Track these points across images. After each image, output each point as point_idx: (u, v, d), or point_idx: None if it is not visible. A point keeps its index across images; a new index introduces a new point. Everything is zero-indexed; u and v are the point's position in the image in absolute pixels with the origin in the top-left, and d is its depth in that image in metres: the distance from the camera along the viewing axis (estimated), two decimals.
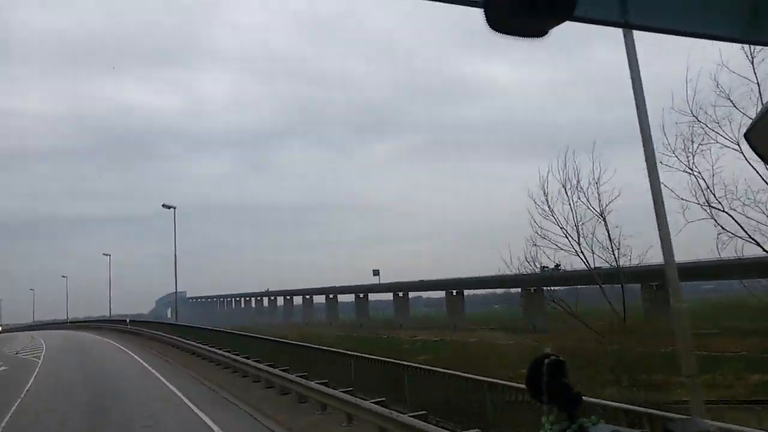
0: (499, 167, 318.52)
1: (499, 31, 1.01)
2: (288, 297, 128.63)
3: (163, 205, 33.72)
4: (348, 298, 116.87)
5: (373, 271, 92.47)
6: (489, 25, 1.00)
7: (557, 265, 72.39)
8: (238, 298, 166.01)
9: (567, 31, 1.20)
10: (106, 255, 55.06)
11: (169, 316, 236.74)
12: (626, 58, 7.71)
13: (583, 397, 1.38)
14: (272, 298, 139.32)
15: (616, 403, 8.19)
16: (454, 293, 76.99)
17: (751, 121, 1.50)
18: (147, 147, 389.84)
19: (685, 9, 1.33)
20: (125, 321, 48.99)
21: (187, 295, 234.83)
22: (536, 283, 64.86)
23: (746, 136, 1.43)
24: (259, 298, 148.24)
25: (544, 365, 1.39)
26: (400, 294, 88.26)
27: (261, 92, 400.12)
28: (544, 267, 72.23)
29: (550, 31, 1.04)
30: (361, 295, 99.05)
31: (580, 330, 21.16)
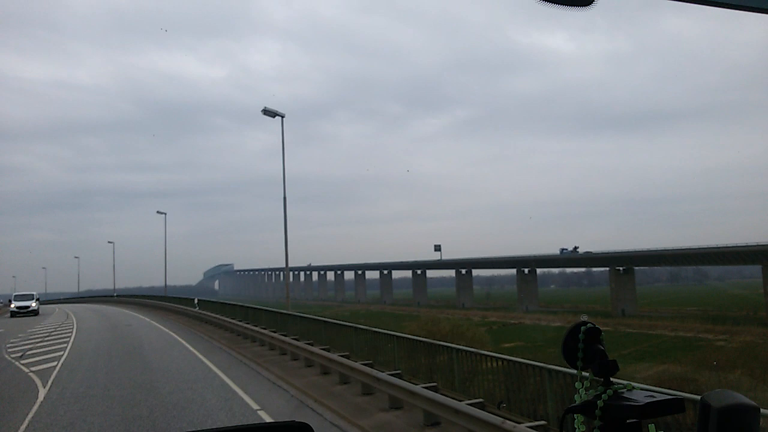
0: (555, 142, 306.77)
1: (545, 0, 0.99)
2: (338, 272, 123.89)
3: (264, 111, 24.47)
4: (401, 274, 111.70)
5: (435, 246, 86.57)
6: None
7: (576, 247, 64.86)
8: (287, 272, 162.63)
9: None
10: (162, 214, 50.28)
11: (217, 288, 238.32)
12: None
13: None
14: (322, 272, 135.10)
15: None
16: (527, 271, 70.36)
17: None
18: (196, 119, 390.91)
19: None
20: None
21: (234, 268, 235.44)
22: (628, 262, 58.34)
23: None
24: (308, 273, 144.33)
25: (581, 332, 1.39)
26: (463, 271, 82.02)
27: (309, 63, 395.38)
28: (563, 249, 64.43)
29: None
30: (419, 272, 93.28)
31: None
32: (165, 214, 52.28)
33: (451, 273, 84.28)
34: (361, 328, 14.81)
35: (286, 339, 17.28)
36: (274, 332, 19.20)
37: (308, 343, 16.05)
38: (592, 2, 1.02)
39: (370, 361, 13.09)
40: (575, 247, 74.45)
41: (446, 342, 12.37)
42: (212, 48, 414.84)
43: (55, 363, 16.83)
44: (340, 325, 16.43)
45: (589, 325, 1.40)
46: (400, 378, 10.80)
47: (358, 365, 11.95)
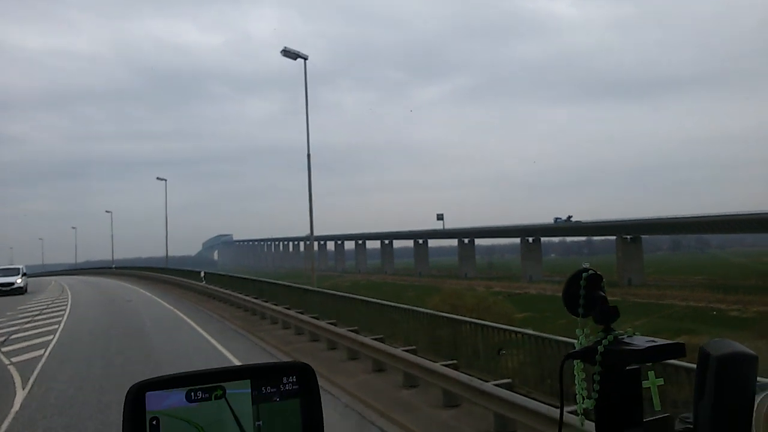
0: (559, 110, 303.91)
1: None
2: (339, 242, 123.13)
3: (284, 52, 21.78)
4: (402, 243, 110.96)
5: (437, 215, 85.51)
6: None
7: (569, 217, 64.85)
8: (286, 242, 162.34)
9: None
10: (162, 181, 48.93)
11: (216, 258, 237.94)
12: None
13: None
14: (322, 242, 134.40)
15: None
16: (530, 241, 69.44)
17: None
18: (195, 87, 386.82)
19: None
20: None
21: (234, 238, 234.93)
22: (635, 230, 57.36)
23: None
24: (306, 243, 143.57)
25: (582, 278, 1.35)
26: (465, 240, 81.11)
27: (310, 30, 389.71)
28: (557, 218, 64.38)
29: None
30: (420, 241, 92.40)
31: None
32: (165, 180, 50.84)
33: (452, 242, 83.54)
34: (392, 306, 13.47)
35: (321, 324, 14.55)
36: (301, 313, 17.06)
37: (352, 330, 13.98)
38: None
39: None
40: (569, 216, 74.09)
41: (472, 318, 11.29)
42: (211, 14, 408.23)
43: (41, 351, 14.15)
44: (377, 304, 14.67)
45: (590, 271, 1.34)
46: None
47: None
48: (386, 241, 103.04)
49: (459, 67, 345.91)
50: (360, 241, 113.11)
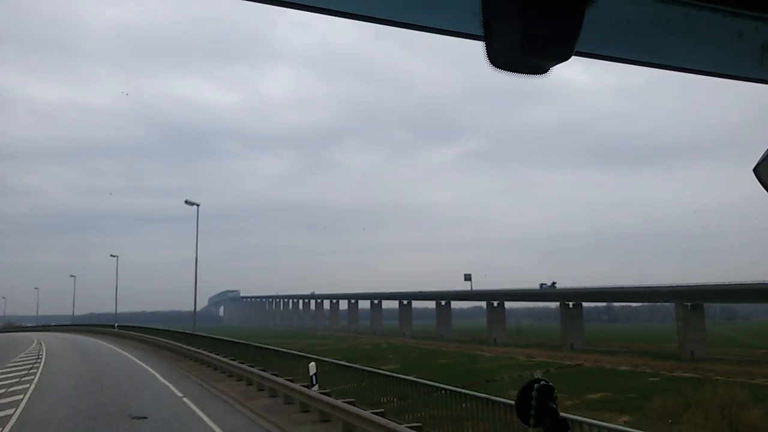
0: (568, 175, 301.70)
1: (499, 68, 1.01)
2: (353, 301, 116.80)
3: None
4: (418, 304, 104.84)
5: (465, 275, 79.66)
6: (489, 60, 1.00)
7: (554, 283, 62.28)
8: (295, 300, 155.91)
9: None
10: (190, 203, 44.40)
11: (221, 314, 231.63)
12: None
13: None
14: (334, 301, 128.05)
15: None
16: (571, 305, 63.34)
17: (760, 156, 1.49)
18: (208, 143, 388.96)
19: (690, 45, 1.31)
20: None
21: (240, 294, 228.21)
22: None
23: (755, 170, 1.42)
24: (319, 301, 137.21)
25: (534, 389, 1.44)
26: (495, 303, 74.97)
27: (323, 91, 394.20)
28: (542, 284, 61.89)
29: (551, 68, 1.04)
30: (443, 302, 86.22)
31: None
32: (197, 205, 46.81)
33: (471, 304, 77.88)
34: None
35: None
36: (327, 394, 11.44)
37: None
38: (546, 71, 1.03)
39: None
40: (553, 283, 74.05)
41: None
42: (228, 73, 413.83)
43: None
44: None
45: (542, 382, 1.43)
46: None
47: None
48: (405, 302, 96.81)
49: (468, 131, 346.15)
50: (376, 301, 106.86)
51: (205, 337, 30.59)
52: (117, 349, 39.27)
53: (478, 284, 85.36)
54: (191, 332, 33.60)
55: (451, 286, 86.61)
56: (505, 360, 50.48)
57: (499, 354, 56.49)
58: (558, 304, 68.09)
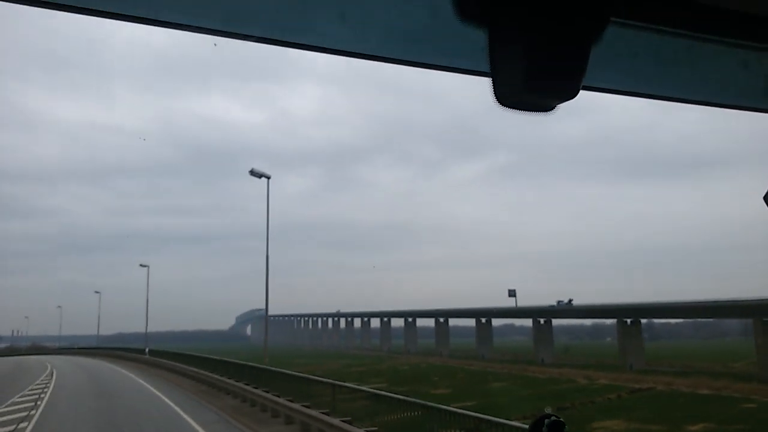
0: (597, 188, 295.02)
1: (505, 106, 1.01)
2: (385, 319, 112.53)
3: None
4: (453, 322, 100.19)
5: (509, 291, 74.97)
6: (496, 98, 1.00)
7: (570, 300, 59.74)
8: (324, 318, 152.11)
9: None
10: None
11: (249, 333, 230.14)
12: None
13: None
14: (365, 319, 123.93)
15: None
16: (629, 322, 58.39)
17: None
18: (233, 163, 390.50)
19: (696, 77, 1.34)
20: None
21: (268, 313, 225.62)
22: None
23: (765, 198, 1.42)
24: (349, 319, 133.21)
25: (545, 425, 1.45)
26: (541, 321, 70.15)
27: (348, 107, 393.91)
28: (559, 301, 59.14)
29: (557, 106, 1.04)
30: (483, 320, 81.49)
31: None
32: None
33: (495, 322, 73.27)
34: None
35: None
36: None
37: None
38: (553, 109, 1.03)
39: None
40: (570, 300, 72.05)
41: None
42: (254, 92, 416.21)
43: None
44: None
45: (552, 418, 1.44)
46: None
47: None
48: (441, 320, 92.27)
49: (496, 145, 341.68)
50: (410, 319, 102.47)
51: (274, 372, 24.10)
52: (152, 389, 29.18)
53: (501, 301, 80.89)
54: (254, 364, 27.14)
55: (484, 303, 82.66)
56: (564, 383, 45.79)
57: (554, 376, 51.74)
58: (592, 321, 63.54)
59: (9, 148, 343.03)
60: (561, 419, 1.46)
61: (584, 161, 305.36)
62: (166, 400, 24.73)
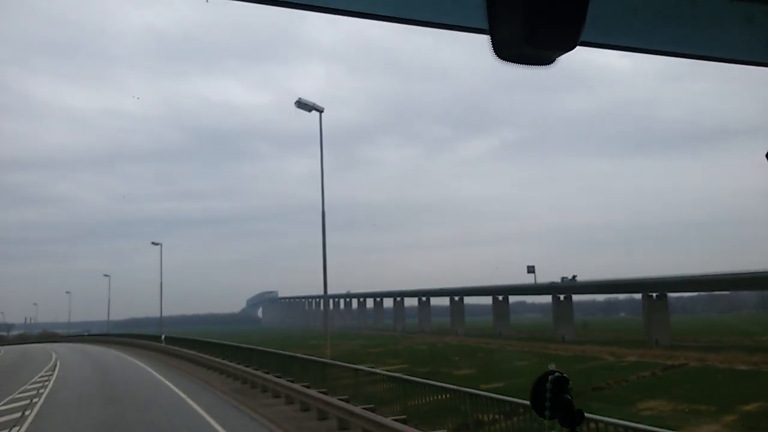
0: (607, 163, 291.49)
1: (504, 60, 1.02)
2: (398, 298, 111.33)
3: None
4: (469, 300, 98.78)
5: (528, 267, 73.33)
6: (495, 53, 1.01)
7: (574, 276, 58.74)
8: (336, 299, 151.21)
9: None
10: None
11: (260, 315, 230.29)
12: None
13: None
14: (378, 299, 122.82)
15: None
16: (654, 297, 56.72)
17: None
18: (239, 145, 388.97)
19: (698, 32, 1.33)
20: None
21: (279, 295, 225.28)
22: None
23: None
24: (361, 300, 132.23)
25: (548, 381, 1.46)
26: (561, 297, 68.54)
27: (354, 86, 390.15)
28: (563, 277, 57.87)
29: (557, 59, 1.04)
30: (500, 298, 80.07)
31: None
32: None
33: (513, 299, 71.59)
34: None
35: None
36: None
37: None
38: (553, 62, 1.03)
39: None
40: (573, 276, 72.04)
41: None
42: (258, 73, 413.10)
43: None
44: None
45: (557, 374, 1.45)
46: None
47: None
48: (456, 298, 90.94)
49: (504, 122, 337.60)
50: (424, 298, 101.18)
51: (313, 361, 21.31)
52: (174, 388, 23.09)
53: (513, 278, 79.16)
54: (303, 356, 23.17)
55: (496, 281, 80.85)
56: (590, 361, 44.19)
57: (577, 354, 50.16)
58: (605, 297, 61.81)
59: (17, 136, 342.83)
60: (565, 375, 1.43)
61: (593, 135, 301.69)
62: (195, 405, 19.21)
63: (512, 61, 0.99)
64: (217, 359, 28.08)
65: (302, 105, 21.95)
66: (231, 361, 26.30)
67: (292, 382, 19.40)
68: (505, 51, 0.99)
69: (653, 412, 23.00)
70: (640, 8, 1.19)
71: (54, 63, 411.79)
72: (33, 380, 27.58)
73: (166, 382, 25.29)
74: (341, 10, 1.15)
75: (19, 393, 23.35)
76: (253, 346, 29.46)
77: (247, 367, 24.35)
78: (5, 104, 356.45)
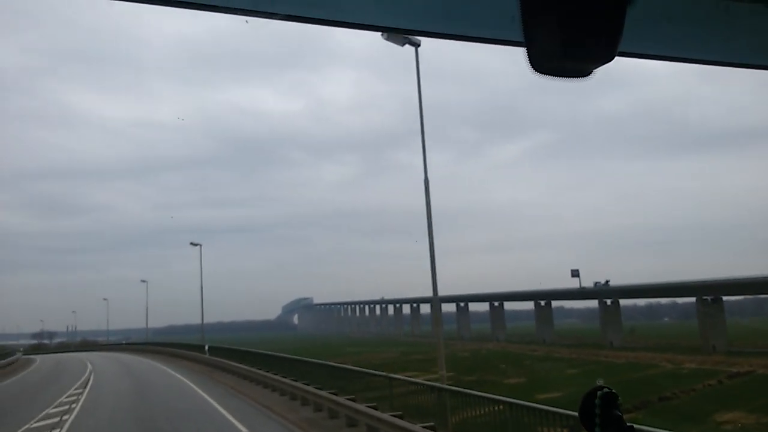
0: (642, 164, 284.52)
1: (541, 73, 1.01)
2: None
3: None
4: (508, 305, 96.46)
5: (572, 271, 70.87)
6: (531, 66, 1.00)
7: (607, 281, 48.45)
8: (371, 306, 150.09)
9: None
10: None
11: (296, 322, 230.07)
12: None
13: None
14: (415, 305, 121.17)
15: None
16: (710, 300, 53.91)
17: None
18: (272, 153, 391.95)
19: (733, 40, 1.33)
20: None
21: (314, 302, 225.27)
22: None
23: None
24: (398, 306, 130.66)
25: (597, 397, 1.40)
26: (608, 302, 65.95)
27: (384, 91, 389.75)
28: (596, 282, 50.46)
29: (594, 71, 1.04)
30: (543, 303, 77.65)
31: None
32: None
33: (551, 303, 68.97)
34: None
35: None
36: None
37: None
38: (590, 74, 1.03)
39: None
40: (606, 281, 70.49)
41: None
42: (289, 80, 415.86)
43: None
44: None
45: (605, 389, 1.38)
46: None
47: None
48: (495, 304, 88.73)
49: (537, 124, 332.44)
50: (462, 304, 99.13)
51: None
52: (230, 417, 18.25)
53: (553, 282, 76.57)
54: (388, 375, 18.45)
55: (533, 285, 78.80)
56: (647, 368, 41.93)
57: (631, 360, 47.83)
58: (646, 301, 58.91)
59: (56, 146, 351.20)
60: (614, 391, 1.37)
61: (629, 137, 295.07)
62: None
63: (549, 74, 0.99)
64: (270, 374, 24.98)
65: (392, 37, 20.37)
66: (285, 377, 23.29)
67: (398, 417, 14.48)
68: (542, 64, 0.98)
69: (734, 426, 20.99)
70: (675, 17, 1.18)
71: (89, 73, 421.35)
72: (59, 401, 23.70)
73: (217, 406, 20.57)
74: (382, 26, 1.14)
75: (42, 417, 19.35)
76: (314, 360, 25.31)
77: (308, 385, 20.61)
78: (43, 114, 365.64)
